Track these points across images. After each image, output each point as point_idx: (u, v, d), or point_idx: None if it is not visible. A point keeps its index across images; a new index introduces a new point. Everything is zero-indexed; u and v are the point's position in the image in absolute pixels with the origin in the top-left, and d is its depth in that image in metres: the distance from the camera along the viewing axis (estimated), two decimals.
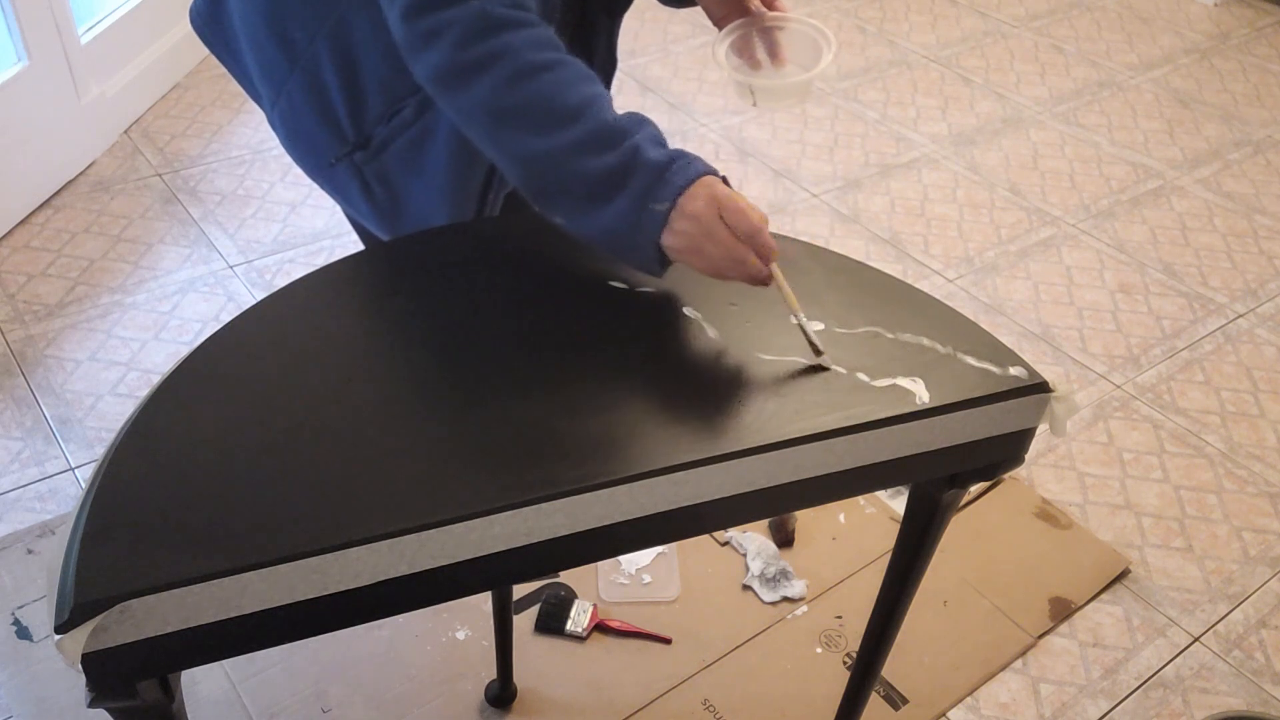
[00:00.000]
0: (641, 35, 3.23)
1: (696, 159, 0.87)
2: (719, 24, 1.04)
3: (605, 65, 1.17)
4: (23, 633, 1.52)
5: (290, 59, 1.05)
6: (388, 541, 0.70)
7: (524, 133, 0.87)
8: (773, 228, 2.60)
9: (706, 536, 1.72)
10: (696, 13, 1.18)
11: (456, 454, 0.76)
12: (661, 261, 0.88)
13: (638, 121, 0.88)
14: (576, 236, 0.91)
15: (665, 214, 0.85)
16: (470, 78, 0.86)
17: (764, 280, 0.86)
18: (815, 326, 0.90)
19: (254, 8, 1.06)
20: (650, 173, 0.86)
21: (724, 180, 0.87)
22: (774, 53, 1.03)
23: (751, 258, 0.85)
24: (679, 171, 0.86)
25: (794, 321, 0.88)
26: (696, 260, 0.86)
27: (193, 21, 1.14)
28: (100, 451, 1.44)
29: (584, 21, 1.11)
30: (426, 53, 0.87)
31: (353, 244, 2.10)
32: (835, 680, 1.52)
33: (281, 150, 2.53)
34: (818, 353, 0.87)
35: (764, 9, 1.03)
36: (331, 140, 1.08)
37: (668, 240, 0.86)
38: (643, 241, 0.87)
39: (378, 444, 0.76)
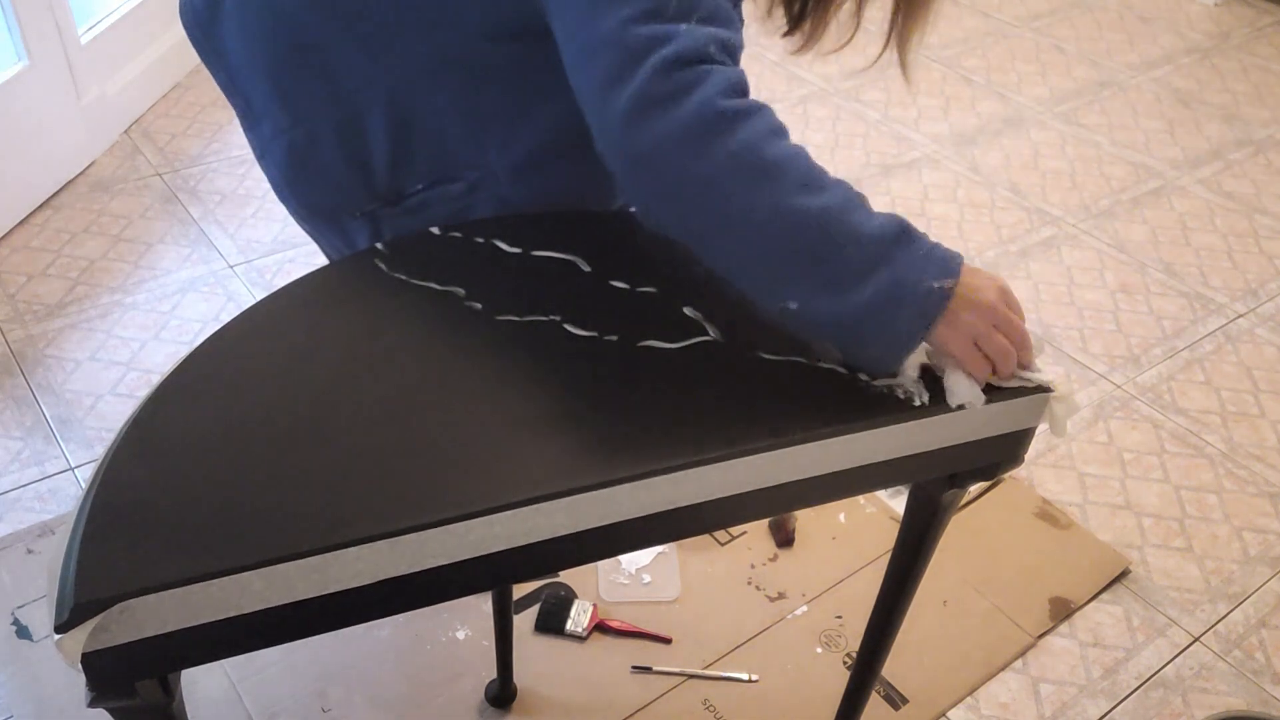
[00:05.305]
0: None
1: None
2: None
3: None
4: (23, 633, 1.52)
5: (328, 95, 1.00)
6: (388, 541, 0.70)
7: (790, 188, 0.78)
8: None
9: (707, 536, 1.72)
10: None
11: (457, 454, 0.76)
12: (914, 344, 0.80)
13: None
14: (806, 327, 0.82)
15: (948, 293, 0.78)
16: (733, 126, 0.77)
17: (1009, 380, 0.84)
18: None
19: (281, 29, 1.00)
20: (925, 244, 0.78)
21: None
22: None
23: (1014, 359, 0.82)
24: (947, 250, 0.80)
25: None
26: (961, 352, 0.80)
27: (184, 20, 1.08)
28: (100, 451, 1.44)
29: None
30: (683, 101, 0.77)
31: None
32: (835, 680, 1.52)
33: None
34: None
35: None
36: (356, 187, 1.03)
37: (943, 329, 0.79)
38: (911, 319, 0.78)
39: (378, 443, 0.76)
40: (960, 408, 0.84)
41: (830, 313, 0.80)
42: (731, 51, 0.82)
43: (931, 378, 0.86)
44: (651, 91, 0.77)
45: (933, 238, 0.81)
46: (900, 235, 0.79)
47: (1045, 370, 0.86)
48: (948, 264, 0.80)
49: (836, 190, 0.80)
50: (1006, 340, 0.82)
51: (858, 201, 0.80)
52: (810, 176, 0.79)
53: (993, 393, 0.86)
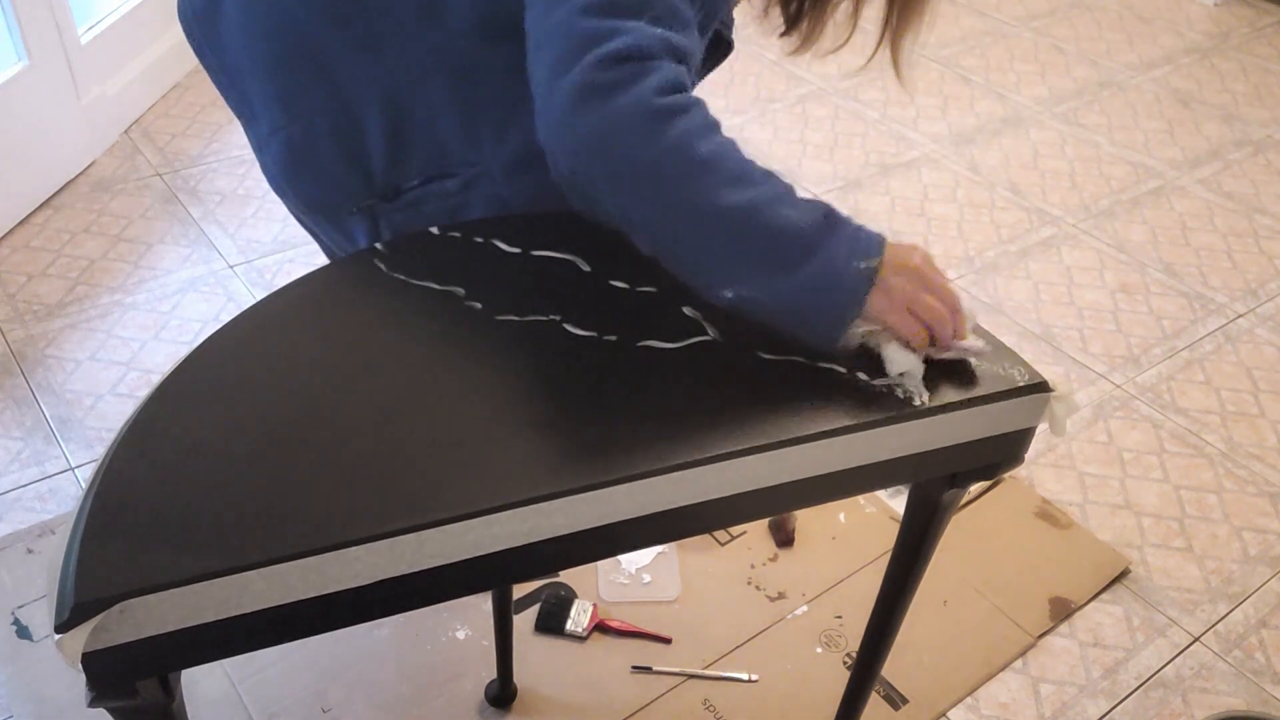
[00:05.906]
0: None
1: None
2: None
3: None
4: (23, 632, 1.52)
5: (326, 93, 1.01)
6: (388, 541, 0.70)
7: (719, 183, 0.80)
8: None
9: (707, 536, 1.72)
10: None
11: (456, 454, 0.76)
12: (849, 324, 0.83)
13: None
14: (749, 310, 0.84)
15: (874, 271, 0.82)
16: (665, 122, 0.79)
17: (946, 348, 0.86)
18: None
19: (280, 28, 1.01)
20: (849, 228, 0.82)
21: None
22: None
23: (950, 323, 0.85)
24: (870, 231, 0.83)
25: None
26: (897, 320, 0.83)
27: (182, 19, 1.08)
28: (100, 451, 1.44)
29: None
30: (619, 94, 0.79)
31: None
32: (835, 680, 1.52)
33: None
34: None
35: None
36: (354, 184, 1.03)
37: (877, 299, 0.82)
38: (843, 301, 0.82)
39: (377, 443, 0.76)
40: (901, 376, 0.85)
41: (765, 300, 0.83)
42: (679, 55, 0.84)
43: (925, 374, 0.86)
44: (590, 82, 0.79)
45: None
46: (826, 223, 0.82)
47: (980, 340, 0.88)
48: (872, 245, 0.83)
49: (766, 185, 0.82)
50: (940, 303, 0.85)
51: (786, 193, 0.83)
52: (740, 171, 0.82)
53: (976, 385, 0.86)
